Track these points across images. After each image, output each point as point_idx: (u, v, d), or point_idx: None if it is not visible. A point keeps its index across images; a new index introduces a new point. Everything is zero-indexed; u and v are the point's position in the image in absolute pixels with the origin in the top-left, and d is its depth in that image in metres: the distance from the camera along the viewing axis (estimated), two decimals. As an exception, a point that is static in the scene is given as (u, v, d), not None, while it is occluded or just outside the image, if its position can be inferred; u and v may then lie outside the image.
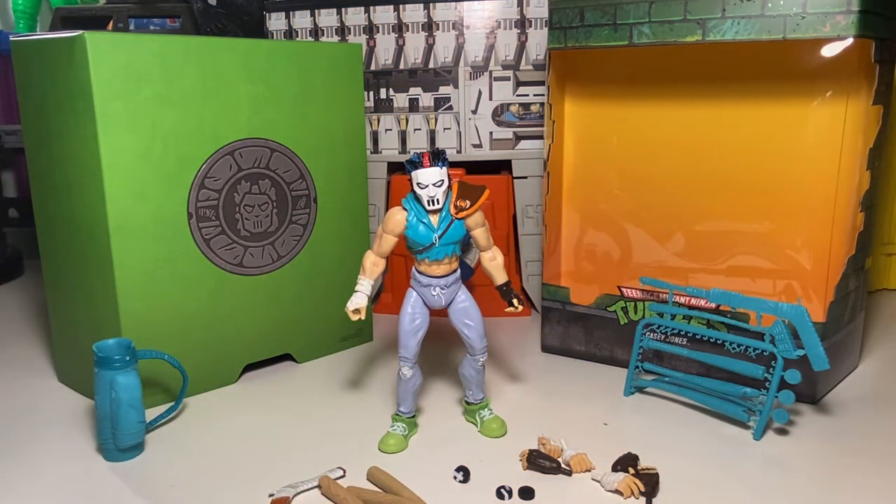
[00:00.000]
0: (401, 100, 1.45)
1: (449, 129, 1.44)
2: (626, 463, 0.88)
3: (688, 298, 1.14)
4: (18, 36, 1.08)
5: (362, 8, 1.42)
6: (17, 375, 1.23)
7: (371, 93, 1.46)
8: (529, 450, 0.91)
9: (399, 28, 1.41)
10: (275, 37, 1.52)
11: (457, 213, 0.92)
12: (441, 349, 1.31)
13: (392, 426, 0.98)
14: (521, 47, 1.40)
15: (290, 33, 1.50)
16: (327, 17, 1.45)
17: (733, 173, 1.13)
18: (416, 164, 0.90)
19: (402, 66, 1.43)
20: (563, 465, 0.89)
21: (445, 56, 1.41)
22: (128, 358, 0.93)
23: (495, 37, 1.39)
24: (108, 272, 1.03)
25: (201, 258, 1.11)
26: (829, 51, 1.03)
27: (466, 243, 1.38)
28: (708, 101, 1.14)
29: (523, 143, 1.44)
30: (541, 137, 1.44)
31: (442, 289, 0.95)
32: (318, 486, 0.86)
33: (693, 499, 0.84)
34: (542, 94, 1.42)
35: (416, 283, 0.96)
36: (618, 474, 0.86)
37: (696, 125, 1.15)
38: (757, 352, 1.01)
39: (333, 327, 1.31)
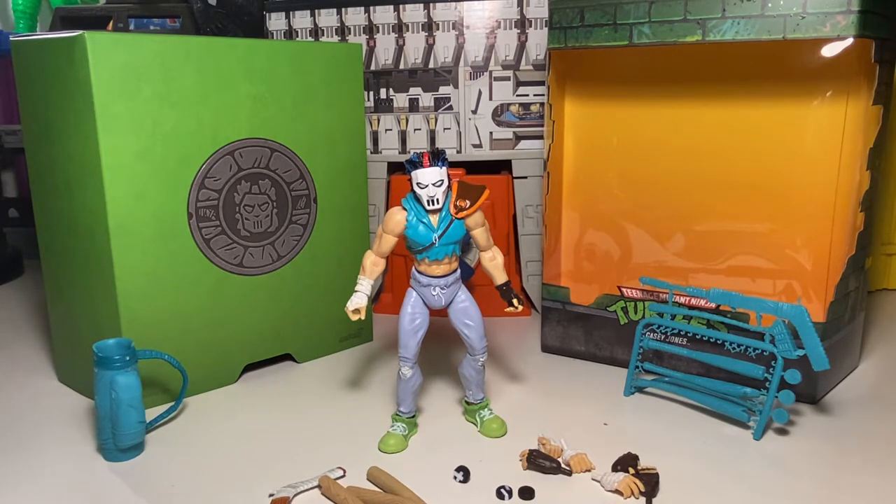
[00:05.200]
0: (401, 100, 1.45)
1: (449, 129, 1.44)
2: (626, 463, 0.88)
3: (688, 298, 1.14)
4: (18, 36, 1.08)
5: (362, 8, 1.42)
6: (17, 375, 1.23)
7: (371, 93, 1.46)
8: (529, 450, 0.91)
9: (399, 28, 1.41)
10: (275, 37, 1.52)
11: (457, 213, 0.92)
12: (441, 349, 1.31)
13: (392, 426, 0.98)
14: (521, 47, 1.40)
15: (290, 33, 1.50)
16: (327, 17, 1.45)
17: (733, 173, 1.13)
18: (415, 163, 0.90)
19: (402, 66, 1.43)
20: (563, 465, 0.89)
21: (445, 56, 1.41)
22: (128, 358, 0.93)
23: (495, 37, 1.39)
24: (108, 272, 1.03)
25: (201, 258, 1.11)
26: (829, 51, 1.03)
27: (466, 243, 1.38)
28: (708, 101, 1.13)
29: (523, 143, 1.44)
30: (541, 137, 1.44)
31: (442, 289, 0.95)
32: (318, 486, 0.86)
33: (693, 499, 0.84)
34: (542, 94, 1.42)
35: (416, 283, 0.96)
36: (618, 474, 0.86)
37: (696, 125, 1.15)
38: (757, 352, 1.01)
39: (333, 327, 1.31)
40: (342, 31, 1.45)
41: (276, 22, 1.51)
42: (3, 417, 1.07)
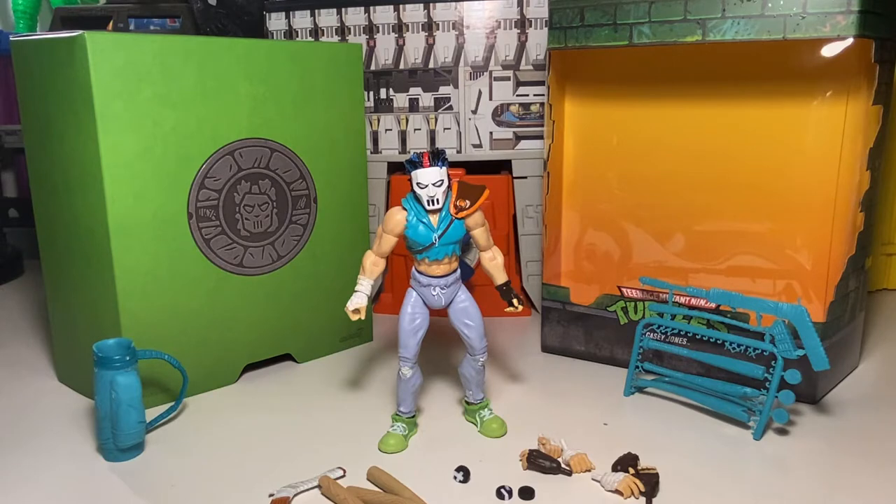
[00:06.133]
0: (401, 100, 1.45)
1: (449, 129, 1.44)
2: (626, 463, 0.88)
3: (688, 298, 1.14)
4: (18, 36, 1.08)
5: (362, 8, 1.42)
6: (17, 375, 1.23)
7: (371, 93, 1.46)
8: (529, 450, 0.91)
9: (399, 28, 1.41)
10: (275, 37, 1.51)
11: (457, 213, 0.92)
12: (441, 349, 1.31)
13: (392, 426, 0.98)
14: (521, 47, 1.40)
15: (290, 33, 1.50)
16: (327, 17, 1.45)
17: (733, 173, 1.13)
18: (415, 163, 0.90)
19: (402, 66, 1.43)
20: (563, 465, 0.89)
21: (445, 56, 1.41)
22: (128, 358, 0.93)
23: (495, 37, 1.39)
24: (108, 272, 1.03)
25: (201, 258, 1.11)
26: (829, 51, 1.03)
27: (466, 243, 1.38)
28: (708, 101, 1.14)
29: (523, 143, 1.44)
30: (541, 137, 1.44)
31: (442, 289, 0.95)
32: (318, 486, 0.86)
33: (693, 499, 0.84)
34: (542, 94, 1.42)
35: (416, 283, 0.96)
36: (618, 474, 0.86)
37: (696, 125, 1.15)
38: (757, 352, 1.01)
39: (333, 327, 1.31)
40: (342, 31, 1.45)
41: (276, 22, 1.51)
42: (3, 417, 1.07)
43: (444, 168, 0.90)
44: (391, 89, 1.45)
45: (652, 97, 1.18)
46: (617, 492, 0.85)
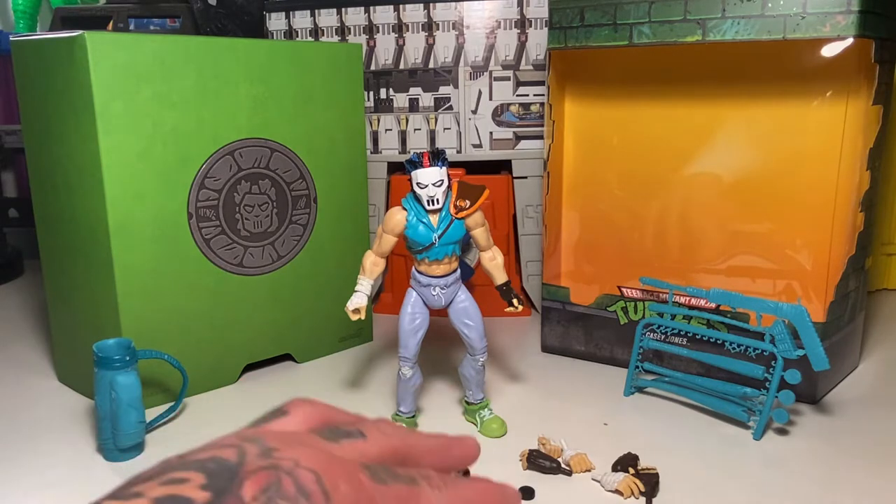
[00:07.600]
0: (401, 100, 1.45)
1: (449, 129, 1.44)
2: (626, 463, 0.88)
3: (688, 298, 1.14)
4: (18, 36, 1.08)
5: (362, 8, 1.42)
6: (17, 375, 1.23)
7: (371, 93, 1.46)
8: (529, 450, 0.91)
9: (399, 28, 1.41)
10: (275, 37, 1.51)
11: (456, 213, 0.92)
12: (441, 349, 1.31)
13: (392, 426, 0.98)
14: (521, 47, 1.40)
15: (290, 33, 1.50)
16: (327, 17, 1.45)
17: (733, 173, 1.13)
18: (415, 163, 0.90)
19: (402, 66, 1.43)
20: (563, 465, 0.89)
21: (445, 56, 1.41)
22: (128, 358, 0.93)
23: (495, 37, 1.39)
24: (108, 272, 1.03)
25: (201, 258, 1.11)
26: (829, 51, 1.03)
27: (466, 243, 1.38)
28: (708, 101, 1.13)
29: (523, 143, 1.44)
30: (541, 137, 1.44)
31: (442, 289, 0.95)
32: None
33: (693, 499, 0.84)
34: (542, 94, 1.42)
35: (416, 283, 0.96)
36: (618, 474, 0.86)
37: (696, 125, 1.15)
38: (757, 352, 1.01)
39: (333, 327, 1.31)
40: (342, 31, 1.45)
41: (276, 22, 1.51)
42: (3, 417, 1.07)
43: (444, 168, 0.90)
44: (391, 89, 1.45)
45: (652, 97, 1.18)
46: (617, 492, 0.85)
